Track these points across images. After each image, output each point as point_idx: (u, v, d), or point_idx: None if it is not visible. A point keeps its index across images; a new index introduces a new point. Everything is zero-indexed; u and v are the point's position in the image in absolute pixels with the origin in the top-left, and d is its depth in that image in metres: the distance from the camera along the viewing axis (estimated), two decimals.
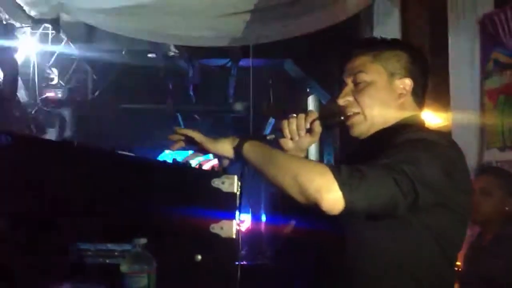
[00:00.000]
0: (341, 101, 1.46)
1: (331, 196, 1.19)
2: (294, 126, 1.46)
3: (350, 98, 1.45)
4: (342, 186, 1.18)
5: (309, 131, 1.47)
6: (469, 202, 1.39)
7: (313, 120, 1.46)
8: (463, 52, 3.40)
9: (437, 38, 3.81)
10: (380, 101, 1.43)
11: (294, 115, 1.47)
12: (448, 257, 1.38)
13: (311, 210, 1.49)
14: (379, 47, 1.48)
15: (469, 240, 2.77)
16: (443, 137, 1.42)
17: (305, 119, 1.46)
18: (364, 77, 1.44)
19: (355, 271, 1.34)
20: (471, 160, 3.20)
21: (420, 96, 1.49)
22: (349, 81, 1.47)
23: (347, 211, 1.20)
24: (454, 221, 1.35)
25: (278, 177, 1.28)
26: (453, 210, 1.32)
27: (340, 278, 1.37)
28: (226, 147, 1.40)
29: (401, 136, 1.34)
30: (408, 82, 1.45)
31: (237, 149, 1.37)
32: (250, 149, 1.36)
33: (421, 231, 1.31)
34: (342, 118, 1.46)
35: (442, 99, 3.53)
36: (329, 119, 1.48)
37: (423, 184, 1.22)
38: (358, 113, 1.44)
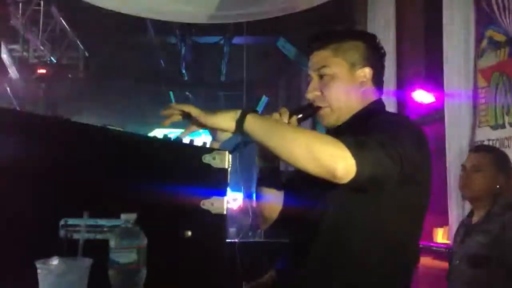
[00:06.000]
0: (309, 95, 1.53)
1: (345, 163, 1.21)
2: None
3: (318, 93, 1.52)
4: (353, 154, 1.22)
5: None
6: (429, 177, 1.45)
7: (289, 117, 1.50)
8: (457, 30, 3.38)
9: (432, 17, 3.79)
10: (344, 92, 1.51)
11: (268, 116, 1.49)
12: (413, 228, 1.46)
13: (293, 187, 1.57)
14: (337, 40, 1.54)
15: (460, 219, 2.79)
16: (405, 117, 1.64)
17: (281, 117, 1.49)
18: (327, 71, 1.51)
19: (334, 247, 1.39)
20: (464, 138, 3.22)
21: (379, 82, 1.56)
22: (314, 75, 1.54)
23: (355, 180, 1.23)
24: (418, 193, 1.42)
25: (287, 147, 1.28)
26: (418, 183, 1.39)
27: (319, 255, 1.40)
28: (226, 119, 1.36)
29: (372, 120, 1.41)
30: (367, 71, 1.52)
31: (239, 121, 1.34)
32: (254, 121, 1.33)
33: (395, 202, 1.37)
34: (313, 110, 1.53)
35: (435, 77, 3.52)
36: (301, 113, 1.53)
37: (406, 159, 1.28)
38: (325, 106, 1.51)
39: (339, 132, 1.49)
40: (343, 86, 1.50)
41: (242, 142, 1.40)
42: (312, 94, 1.52)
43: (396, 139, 1.30)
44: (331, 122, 1.53)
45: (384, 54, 1.59)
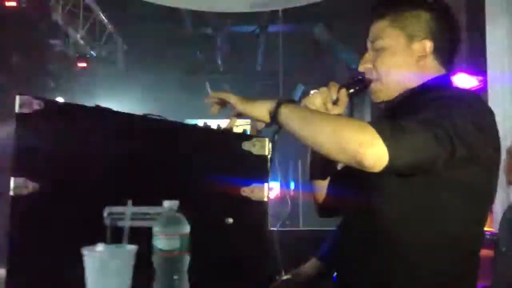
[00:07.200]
0: (360, 68, 1.46)
1: (374, 150, 1.14)
2: (319, 100, 1.42)
3: (369, 65, 1.44)
4: (385, 140, 1.14)
5: (335, 102, 1.44)
6: (497, 158, 1.34)
7: (338, 90, 1.43)
8: (499, 11, 3.28)
9: None
10: (397, 66, 1.41)
11: (316, 90, 1.44)
12: (477, 213, 1.34)
13: (339, 177, 1.52)
14: (398, 9, 1.43)
15: (505, 206, 2.72)
16: (471, 93, 1.43)
17: (330, 91, 1.43)
18: (381, 43, 1.42)
19: (384, 235, 1.31)
20: (508, 122, 3.13)
21: (445, 56, 1.42)
22: (369, 47, 1.46)
23: (389, 168, 1.15)
24: (484, 177, 1.30)
25: (316, 136, 1.23)
26: (483, 165, 1.28)
27: (365, 244, 1.34)
28: (262, 110, 1.34)
29: (428, 96, 1.31)
30: (428, 44, 1.39)
31: (274, 114, 1.31)
32: (286, 113, 1.30)
33: (453, 187, 1.26)
34: (364, 84, 1.45)
35: (478, 60, 3.43)
36: (351, 87, 1.46)
37: (459, 138, 1.18)
38: (375, 80, 1.43)
39: (392, 109, 1.43)
40: (396, 59, 1.40)
41: (277, 129, 1.37)
42: (363, 66, 1.45)
43: (448, 116, 1.19)
44: (381, 97, 1.44)
45: (454, 26, 1.43)
